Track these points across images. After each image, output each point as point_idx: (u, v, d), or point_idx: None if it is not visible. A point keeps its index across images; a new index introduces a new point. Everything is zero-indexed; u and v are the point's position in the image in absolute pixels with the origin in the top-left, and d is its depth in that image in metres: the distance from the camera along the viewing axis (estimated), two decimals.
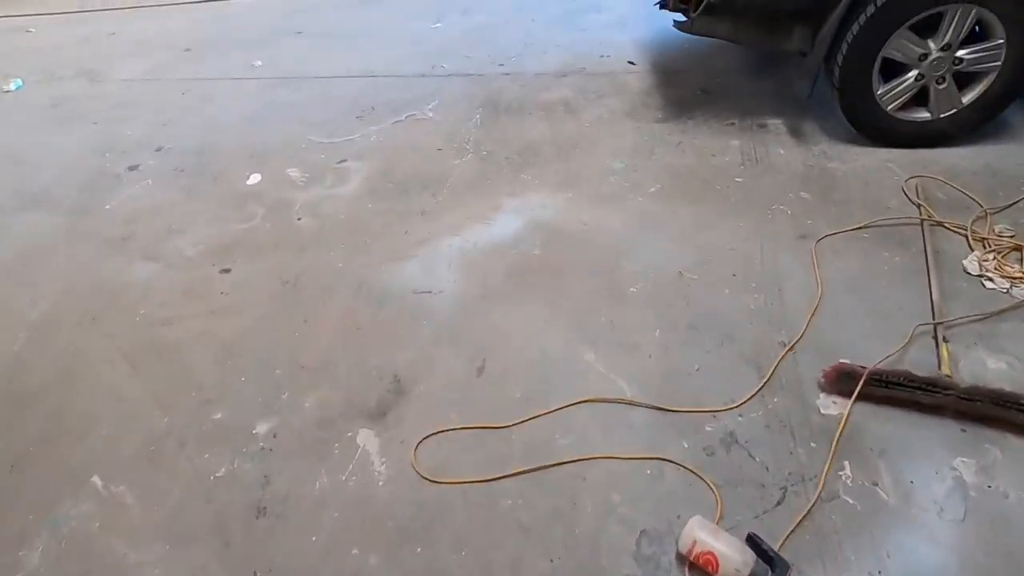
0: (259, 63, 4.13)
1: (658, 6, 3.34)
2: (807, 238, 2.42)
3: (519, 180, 2.86)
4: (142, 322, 2.30)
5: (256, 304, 2.33)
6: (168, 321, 2.29)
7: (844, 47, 2.63)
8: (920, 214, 2.48)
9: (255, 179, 3.02)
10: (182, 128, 3.48)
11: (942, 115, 2.74)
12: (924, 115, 2.77)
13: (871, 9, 2.51)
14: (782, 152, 2.91)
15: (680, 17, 2.98)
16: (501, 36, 4.24)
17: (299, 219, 2.74)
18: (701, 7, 2.64)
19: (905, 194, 2.60)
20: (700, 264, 2.35)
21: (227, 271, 2.49)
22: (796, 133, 3.03)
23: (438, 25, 4.49)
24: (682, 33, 3.27)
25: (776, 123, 3.12)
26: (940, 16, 2.51)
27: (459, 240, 2.55)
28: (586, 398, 1.90)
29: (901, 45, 2.59)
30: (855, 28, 2.57)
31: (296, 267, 2.48)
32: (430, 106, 3.49)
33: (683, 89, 3.48)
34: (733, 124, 3.14)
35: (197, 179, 3.05)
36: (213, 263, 2.54)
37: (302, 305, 2.31)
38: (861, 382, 1.81)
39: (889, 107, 2.75)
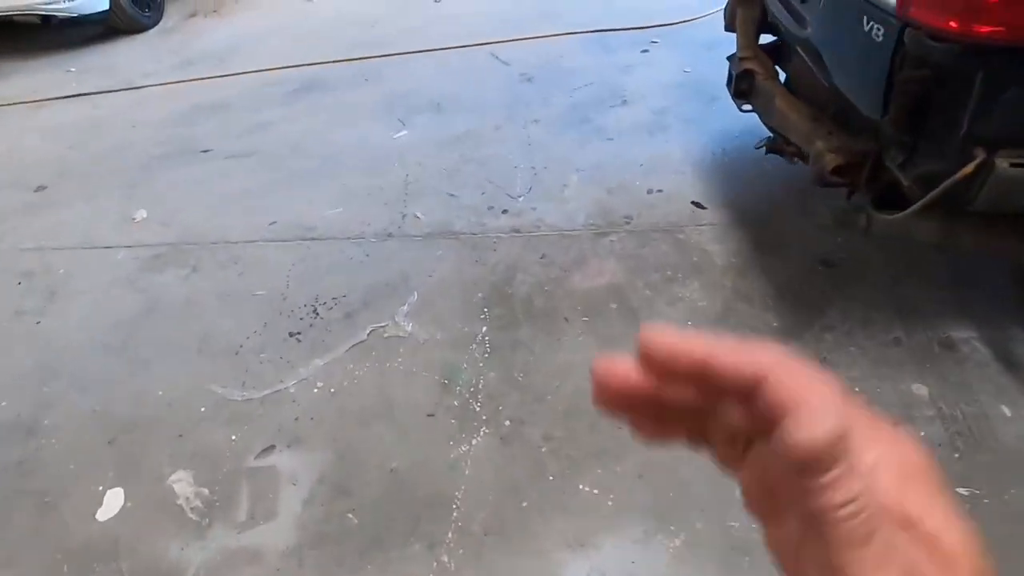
0: (143, 214, 2.88)
1: (763, 149, 2.20)
2: None
3: (579, 498, 1.69)
4: None
5: None
6: None
7: None
8: None
9: (113, 503, 1.79)
10: (6, 366, 2.22)
11: None
12: None
13: None
14: (1008, 414, 1.79)
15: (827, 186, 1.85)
16: (495, 154, 3.07)
17: None
18: (918, 205, 1.50)
19: None
20: None
21: None
22: (1011, 363, 1.93)
23: (403, 134, 3.29)
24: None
25: (968, 338, 2.01)
26: None
27: None
28: None
29: None
30: None
31: None
32: (405, 306, 2.29)
33: (791, 261, 2.35)
34: (899, 341, 2.03)
35: (11, 505, 1.80)
36: None
37: None
38: None
39: None
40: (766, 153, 2.18)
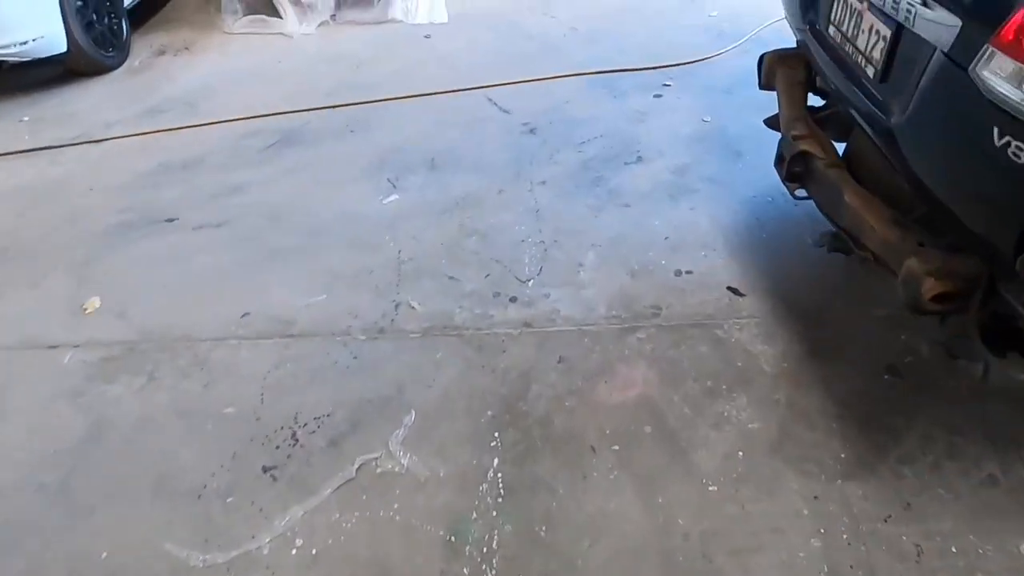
0: (96, 303, 2.53)
1: (824, 247, 1.89)
2: None
3: None
4: None
5: None
6: None
7: None
8: None
9: None
10: None
11: None
12: None
13: None
14: None
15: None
16: (499, 224, 2.75)
17: None
18: None
19: None
20: None
21: None
22: None
23: (393, 199, 2.96)
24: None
25: None
26: None
27: None
28: None
29: None
30: None
31: None
32: (401, 430, 1.96)
33: (852, 367, 2.04)
34: (995, 480, 1.72)
35: None
36: None
37: None
38: None
39: None
40: (828, 252, 1.86)
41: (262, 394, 2.11)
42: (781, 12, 3.93)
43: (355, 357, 2.22)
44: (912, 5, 1.34)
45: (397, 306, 2.40)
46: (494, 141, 3.32)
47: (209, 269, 2.65)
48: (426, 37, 4.55)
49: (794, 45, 2.35)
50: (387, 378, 2.13)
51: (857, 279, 2.29)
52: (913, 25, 1.34)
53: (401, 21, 4.75)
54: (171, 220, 2.96)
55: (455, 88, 3.81)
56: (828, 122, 2.12)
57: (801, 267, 2.42)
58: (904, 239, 1.51)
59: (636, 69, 3.84)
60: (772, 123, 2.32)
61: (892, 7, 1.41)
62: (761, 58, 2.39)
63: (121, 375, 2.23)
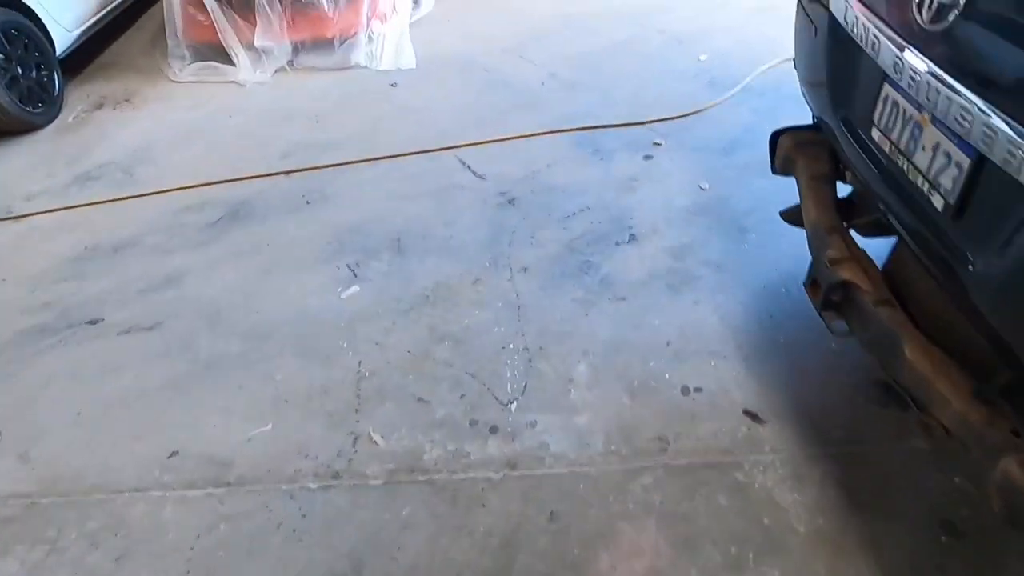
0: None
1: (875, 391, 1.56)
2: None
3: None
4: None
5: None
6: None
7: None
8: None
9: None
10: None
11: None
12: None
13: None
14: None
15: None
16: (475, 325, 2.40)
17: None
18: None
19: None
20: None
21: None
22: None
23: (353, 292, 2.60)
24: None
25: None
26: None
27: None
28: None
29: None
30: None
31: None
32: None
33: (901, 523, 1.72)
34: None
35: None
36: None
37: None
38: None
39: None
40: (883, 408, 1.54)
41: (187, 573, 1.73)
42: (773, 57, 3.66)
43: (304, 515, 1.85)
44: (1016, 145, 1.02)
45: (356, 440, 2.04)
46: (468, 215, 2.97)
47: (134, 390, 2.27)
48: (392, 86, 4.20)
49: (809, 118, 2.05)
50: (341, 547, 1.76)
51: (891, 400, 1.98)
52: (1019, 172, 1.02)
53: (365, 67, 4.39)
54: (94, 322, 2.57)
55: (424, 149, 3.46)
56: (862, 222, 1.81)
57: (824, 380, 2.10)
58: (993, 424, 1.19)
59: (623, 125, 3.53)
60: (792, 219, 2.01)
61: (983, 139, 1.09)
62: (774, 138, 2.08)
63: (16, 545, 1.84)
